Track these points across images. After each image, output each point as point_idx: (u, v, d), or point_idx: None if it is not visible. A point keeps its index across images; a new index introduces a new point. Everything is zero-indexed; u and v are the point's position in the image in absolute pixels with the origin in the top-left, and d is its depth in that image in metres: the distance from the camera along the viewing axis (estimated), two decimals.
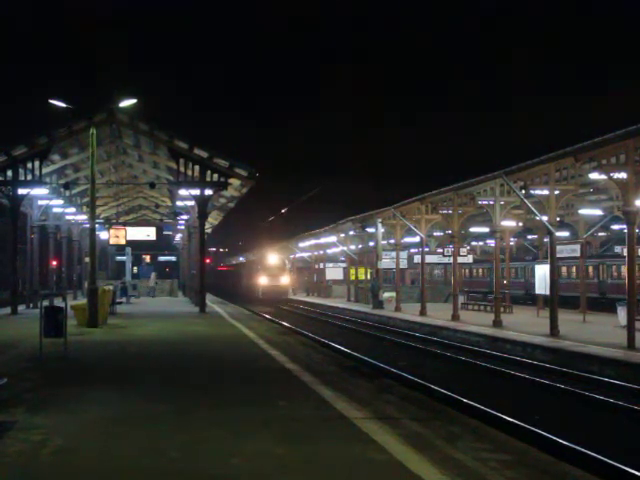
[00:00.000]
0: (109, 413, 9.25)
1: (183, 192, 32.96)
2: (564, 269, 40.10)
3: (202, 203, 31.69)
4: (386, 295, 43.07)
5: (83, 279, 46.38)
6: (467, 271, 54.76)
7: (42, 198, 35.14)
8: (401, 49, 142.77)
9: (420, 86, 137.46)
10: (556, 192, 24.13)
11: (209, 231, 51.81)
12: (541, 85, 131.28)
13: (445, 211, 33.01)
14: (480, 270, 53.55)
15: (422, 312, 34.95)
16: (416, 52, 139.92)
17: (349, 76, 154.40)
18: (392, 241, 43.11)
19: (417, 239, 39.00)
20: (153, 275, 53.67)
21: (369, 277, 51.83)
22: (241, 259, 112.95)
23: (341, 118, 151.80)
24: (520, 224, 36.53)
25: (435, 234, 47.62)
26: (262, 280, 58.64)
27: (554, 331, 23.20)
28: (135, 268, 62.99)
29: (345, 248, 54.57)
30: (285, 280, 60.51)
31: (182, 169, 31.31)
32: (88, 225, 31.71)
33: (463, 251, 35.76)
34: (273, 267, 60.30)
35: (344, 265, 59.92)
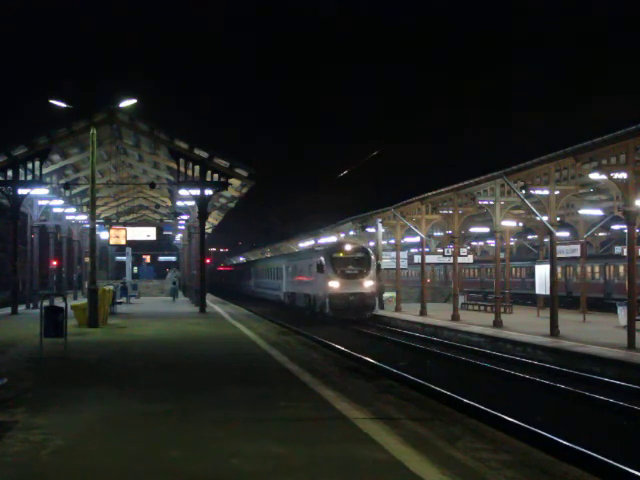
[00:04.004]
0: (109, 413, 9.25)
1: (183, 192, 32.95)
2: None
3: (202, 203, 31.68)
4: (386, 295, 43.04)
5: (83, 279, 46.40)
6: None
7: (42, 198, 35.15)
8: (399, 48, 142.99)
9: (420, 86, 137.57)
10: (556, 192, 24.15)
11: (209, 231, 51.78)
12: (540, 85, 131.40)
13: (445, 211, 33.04)
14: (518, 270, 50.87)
15: (422, 312, 34.97)
16: (415, 51, 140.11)
17: (348, 76, 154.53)
18: (392, 241, 43.11)
19: (417, 239, 38.99)
20: (171, 273, 52.84)
21: None
22: (241, 259, 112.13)
23: (341, 117, 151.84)
24: (520, 224, 36.54)
25: (435, 234, 47.61)
26: (331, 284, 36.89)
27: (554, 331, 23.21)
28: (135, 268, 62.97)
29: None
30: (370, 284, 37.43)
31: (182, 169, 31.30)
32: (88, 225, 31.70)
33: (463, 251, 35.78)
34: (352, 260, 37.69)
35: None
